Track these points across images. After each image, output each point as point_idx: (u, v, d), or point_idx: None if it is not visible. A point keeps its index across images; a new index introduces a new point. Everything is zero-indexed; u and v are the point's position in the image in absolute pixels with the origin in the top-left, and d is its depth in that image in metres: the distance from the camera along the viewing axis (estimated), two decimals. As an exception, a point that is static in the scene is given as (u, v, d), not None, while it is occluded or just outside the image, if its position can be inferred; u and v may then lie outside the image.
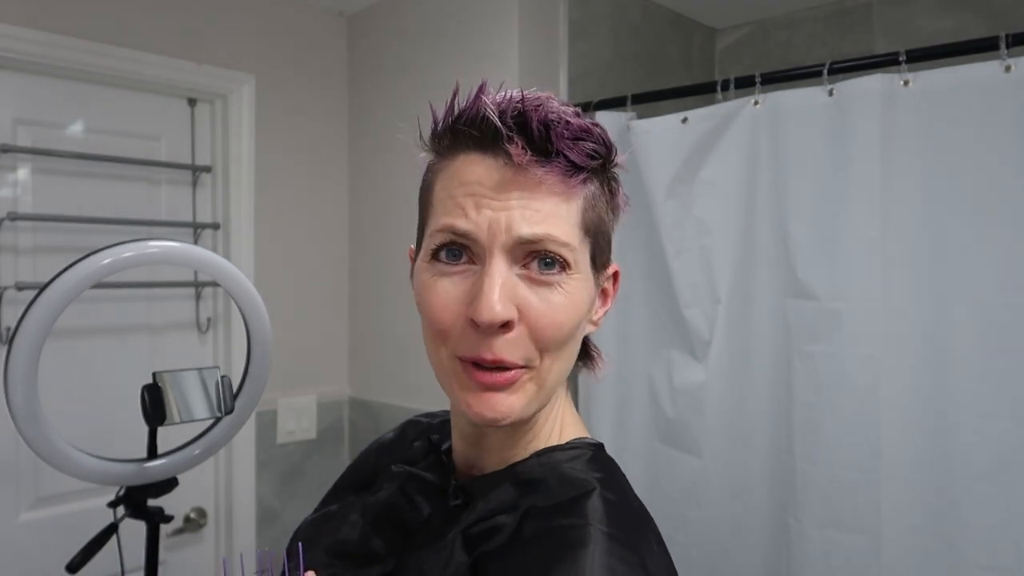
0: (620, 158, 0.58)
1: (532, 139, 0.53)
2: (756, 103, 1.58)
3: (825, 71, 1.48)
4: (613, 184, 0.59)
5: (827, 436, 1.45)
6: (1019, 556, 1.29)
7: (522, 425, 0.60)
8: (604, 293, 0.62)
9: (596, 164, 0.55)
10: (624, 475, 0.62)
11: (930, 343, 1.39)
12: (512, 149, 0.52)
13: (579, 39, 1.94)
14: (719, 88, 1.62)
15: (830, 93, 1.48)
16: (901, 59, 1.39)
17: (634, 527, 0.55)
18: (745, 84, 1.59)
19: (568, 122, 0.53)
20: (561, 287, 0.55)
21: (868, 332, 1.43)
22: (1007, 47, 1.29)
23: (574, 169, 0.54)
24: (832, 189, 1.49)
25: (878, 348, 1.42)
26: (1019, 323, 1.30)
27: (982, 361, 1.33)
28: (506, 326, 0.54)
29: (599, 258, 0.59)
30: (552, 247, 0.54)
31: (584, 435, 0.65)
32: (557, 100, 0.55)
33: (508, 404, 0.55)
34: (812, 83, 1.52)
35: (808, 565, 1.46)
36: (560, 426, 0.64)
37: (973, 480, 1.33)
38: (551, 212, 0.54)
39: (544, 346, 0.55)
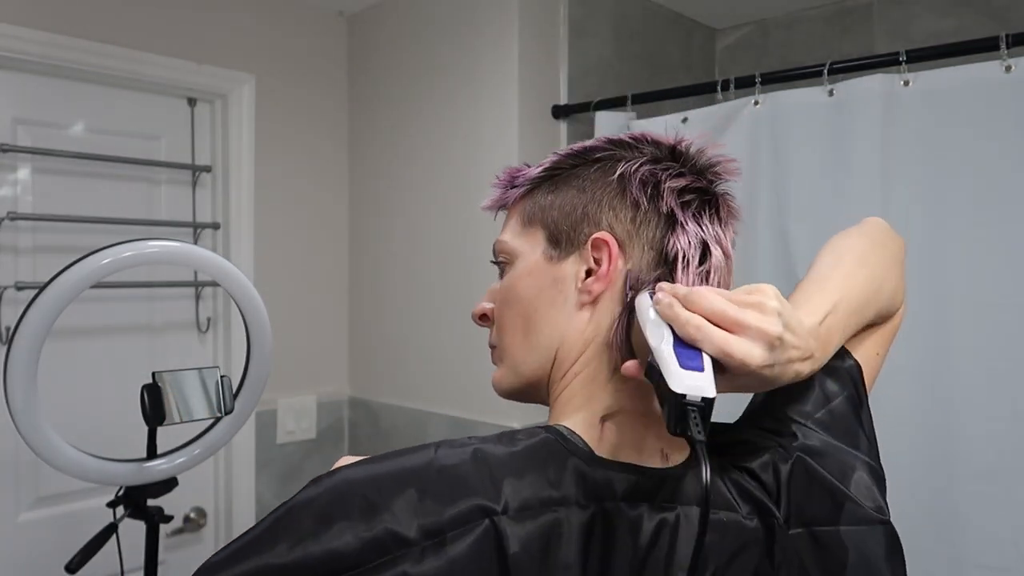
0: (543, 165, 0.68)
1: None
2: (756, 103, 1.58)
3: (825, 71, 1.48)
4: (579, 178, 0.65)
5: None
6: (1019, 556, 1.29)
7: (540, 399, 0.67)
8: (589, 271, 0.62)
9: (497, 188, 0.70)
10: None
11: (930, 343, 1.39)
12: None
13: (579, 39, 1.94)
14: (719, 88, 1.62)
15: (830, 93, 1.48)
16: (901, 59, 1.39)
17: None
18: (745, 84, 1.59)
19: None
20: (507, 276, 0.68)
21: (868, 332, 1.43)
22: (1007, 47, 1.29)
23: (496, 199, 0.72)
24: (832, 189, 1.49)
25: (878, 348, 1.42)
26: (1019, 323, 1.30)
27: (982, 361, 1.33)
28: (483, 318, 0.70)
29: (563, 238, 0.64)
30: (497, 248, 0.69)
31: (563, 422, 0.60)
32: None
33: (494, 375, 0.69)
34: (812, 83, 1.52)
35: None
36: (562, 411, 0.62)
37: (973, 480, 1.33)
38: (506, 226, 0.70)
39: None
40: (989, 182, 1.33)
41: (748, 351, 0.53)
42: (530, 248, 0.66)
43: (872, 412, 0.75)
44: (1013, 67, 1.29)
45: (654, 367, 0.52)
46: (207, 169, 2.03)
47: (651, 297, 0.56)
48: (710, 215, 0.63)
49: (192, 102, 2.01)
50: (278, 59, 2.11)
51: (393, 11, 2.15)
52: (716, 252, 0.62)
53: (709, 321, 0.53)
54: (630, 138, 0.66)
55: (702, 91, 1.69)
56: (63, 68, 1.76)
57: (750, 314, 0.53)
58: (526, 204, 0.68)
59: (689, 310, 0.54)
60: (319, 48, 2.22)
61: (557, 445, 0.56)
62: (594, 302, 0.62)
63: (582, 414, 0.60)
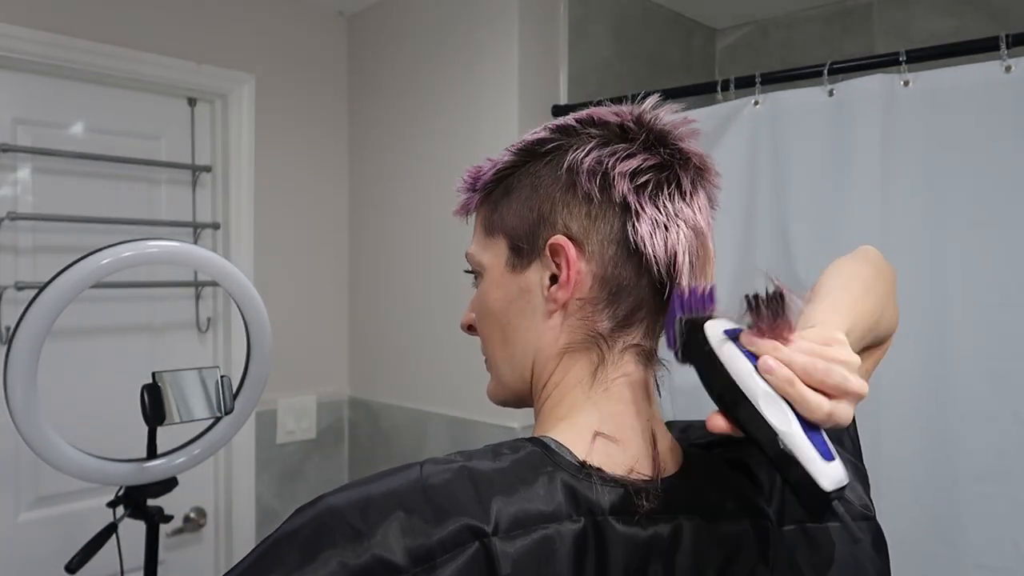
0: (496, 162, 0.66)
1: None
2: (756, 103, 1.58)
3: (825, 71, 1.48)
4: (531, 175, 0.62)
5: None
6: (1019, 556, 1.29)
7: (534, 409, 0.65)
8: (554, 276, 0.60)
9: (462, 194, 0.69)
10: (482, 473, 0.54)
11: (930, 343, 1.39)
12: None
13: (579, 39, 1.94)
14: (719, 88, 1.62)
15: (830, 93, 1.48)
16: (901, 59, 1.39)
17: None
18: (745, 84, 1.59)
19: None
20: (479, 289, 0.67)
21: (868, 332, 1.43)
22: (1007, 47, 1.29)
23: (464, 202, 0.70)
24: (832, 189, 1.49)
25: (878, 348, 1.42)
26: (1019, 324, 1.30)
27: (982, 362, 1.33)
28: (470, 329, 0.71)
29: (528, 244, 0.61)
30: (467, 258, 0.69)
31: (544, 434, 0.58)
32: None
33: (487, 386, 0.70)
34: (812, 83, 1.52)
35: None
36: (546, 421, 0.61)
37: (973, 480, 1.33)
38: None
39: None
40: (989, 182, 1.33)
41: (847, 415, 0.49)
42: (495, 259, 0.65)
43: (873, 413, 0.75)
44: (1013, 67, 1.29)
45: (785, 453, 0.48)
46: (207, 169, 2.03)
47: (744, 353, 0.50)
48: (669, 192, 0.58)
49: (192, 102, 2.01)
50: (278, 59, 2.11)
51: (393, 11, 2.15)
52: (681, 233, 0.58)
53: (801, 380, 0.49)
54: (577, 121, 0.62)
55: (702, 91, 1.69)
56: (63, 68, 1.76)
57: (852, 380, 0.49)
58: (485, 210, 0.66)
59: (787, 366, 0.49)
60: (319, 48, 2.22)
61: (544, 458, 0.54)
62: (563, 308, 0.59)
63: (567, 424, 0.58)
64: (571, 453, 0.55)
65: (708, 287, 0.55)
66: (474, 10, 1.92)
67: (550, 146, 0.61)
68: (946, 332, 1.37)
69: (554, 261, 0.59)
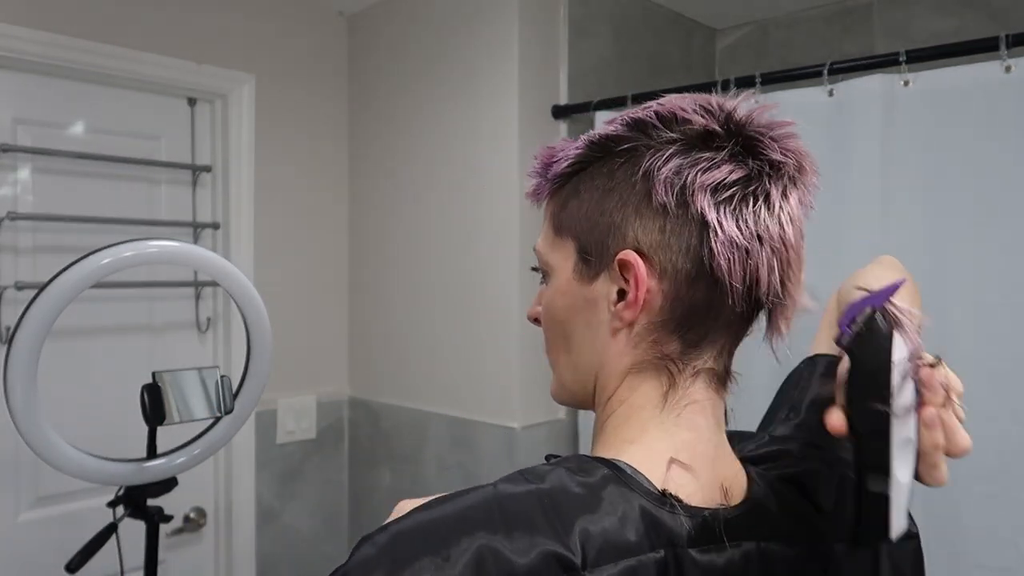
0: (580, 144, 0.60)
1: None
2: (756, 103, 1.58)
3: (825, 71, 1.48)
4: (604, 176, 0.57)
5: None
6: (1019, 556, 1.29)
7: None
8: (622, 291, 0.56)
9: (534, 178, 0.63)
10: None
11: (929, 343, 1.39)
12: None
13: (579, 39, 1.94)
14: (719, 88, 1.62)
15: (830, 93, 1.48)
16: (901, 59, 1.39)
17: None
18: (745, 84, 1.59)
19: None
20: (547, 289, 0.63)
21: (868, 332, 1.43)
22: (1007, 47, 1.29)
23: (535, 188, 0.63)
24: (832, 189, 1.48)
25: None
26: (1019, 324, 1.30)
27: (982, 362, 1.33)
28: (536, 321, 0.66)
29: (597, 253, 0.57)
30: (536, 254, 0.64)
31: (615, 456, 0.55)
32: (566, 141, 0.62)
33: (551, 385, 0.66)
34: (812, 83, 1.52)
35: None
36: (611, 441, 0.58)
37: (973, 481, 1.33)
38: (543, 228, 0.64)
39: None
40: (989, 182, 1.33)
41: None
42: (563, 262, 0.60)
43: None
44: (1013, 67, 1.29)
45: (882, 494, 0.48)
46: (207, 169, 2.03)
47: (915, 384, 0.49)
48: (755, 209, 0.53)
49: (192, 102, 2.01)
50: (278, 59, 2.11)
51: (393, 11, 2.15)
52: (764, 254, 0.53)
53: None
54: (658, 117, 0.56)
55: (702, 91, 1.69)
56: (63, 68, 1.76)
57: (968, 447, 0.50)
58: (555, 205, 0.61)
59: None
60: (319, 48, 2.22)
61: (621, 484, 0.52)
62: (629, 327, 0.56)
63: (638, 447, 0.55)
64: (647, 480, 0.53)
65: (897, 283, 0.52)
66: (474, 10, 1.92)
67: (626, 145, 0.56)
68: (946, 332, 1.37)
69: (623, 276, 0.55)
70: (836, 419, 0.50)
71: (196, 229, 2.01)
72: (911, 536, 0.62)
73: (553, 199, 0.61)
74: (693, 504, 0.53)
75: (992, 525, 1.31)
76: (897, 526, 0.48)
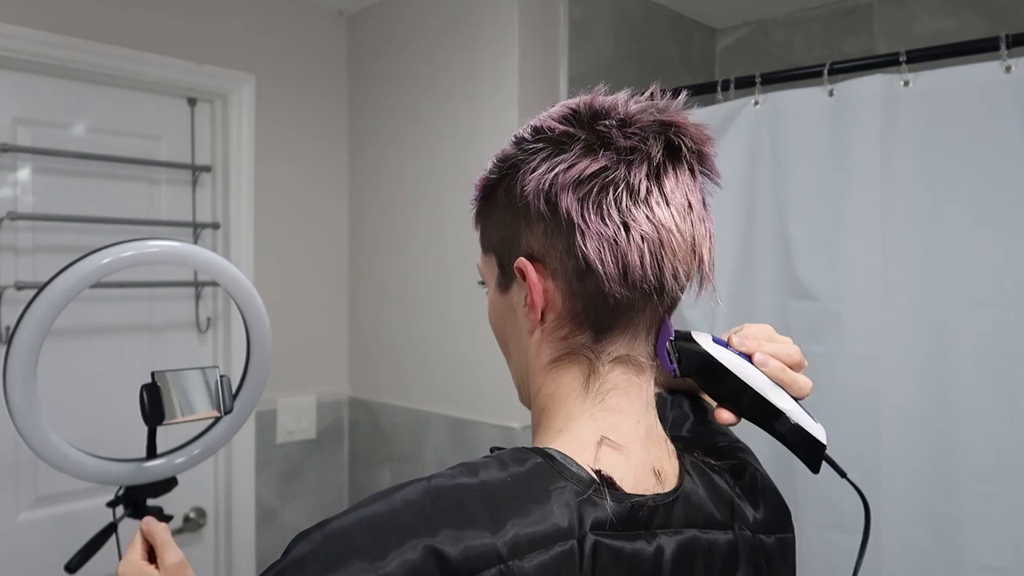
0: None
1: None
2: (756, 103, 1.58)
3: (825, 71, 1.48)
4: (502, 192, 0.60)
5: (827, 437, 1.45)
6: (1019, 556, 1.29)
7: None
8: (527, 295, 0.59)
9: (473, 206, 0.66)
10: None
11: (930, 343, 1.39)
12: None
13: (579, 39, 1.94)
14: (719, 88, 1.62)
15: (830, 93, 1.48)
16: (901, 59, 1.39)
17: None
18: (745, 84, 1.59)
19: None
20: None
21: (868, 333, 1.43)
22: (1007, 47, 1.29)
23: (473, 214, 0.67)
24: (832, 189, 1.49)
25: (878, 348, 1.42)
26: (1019, 324, 1.30)
27: (982, 361, 1.33)
28: None
29: (507, 265, 0.60)
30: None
31: (547, 445, 0.57)
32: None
33: None
34: (812, 83, 1.52)
35: (808, 565, 1.46)
36: (544, 432, 0.60)
37: (973, 480, 1.33)
38: None
39: None
40: (989, 182, 1.34)
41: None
42: (490, 276, 0.65)
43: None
44: (1013, 67, 1.29)
45: (796, 427, 0.61)
46: (207, 169, 2.03)
47: (737, 353, 0.62)
48: (616, 197, 0.54)
49: (192, 102, 2.01)
50: (278, 59, 2.11)
51: (393, 11, 2.15)
52: (633, 240, 0.54)
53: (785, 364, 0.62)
54: (532, 130, 0.59)
55: (702, 91, 1.69)
56: (63, 68, 1.76)
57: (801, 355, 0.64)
58: (480, 225, 0.66)
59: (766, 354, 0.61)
60: (319, 48, 2.22)
61: (551, 472, 0.53)
62: (540, 324, 0.59)
63: (566, 434, 0.57)
64: (576, 464, 0.54)
65: (667, 325, 0.61)
66: (474, 10, 1.92)
67: (510, 163, 0.59)
68: (946, 332, 1.37)
69: (524, 281, 0.59)
70: (724, 414, 0.62)
71: (196, 229, 2.01)
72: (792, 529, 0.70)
73: (478, 220, 0.66)
74: (625, 487, 0.55)
75: (992, 525, 1.31)
76: (819, 433, 0.61)
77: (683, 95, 0.60)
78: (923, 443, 1.39)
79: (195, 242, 1.99)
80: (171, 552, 0.85)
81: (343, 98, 2.28)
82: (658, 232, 0.55)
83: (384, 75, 2.17)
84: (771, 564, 0.63)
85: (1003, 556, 1.30)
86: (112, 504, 1.29)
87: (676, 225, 0.55)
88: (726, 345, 0.62)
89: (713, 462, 0.64)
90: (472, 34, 1.92)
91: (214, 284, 1.99)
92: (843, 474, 0.64)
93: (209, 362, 2.02)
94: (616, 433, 0.57)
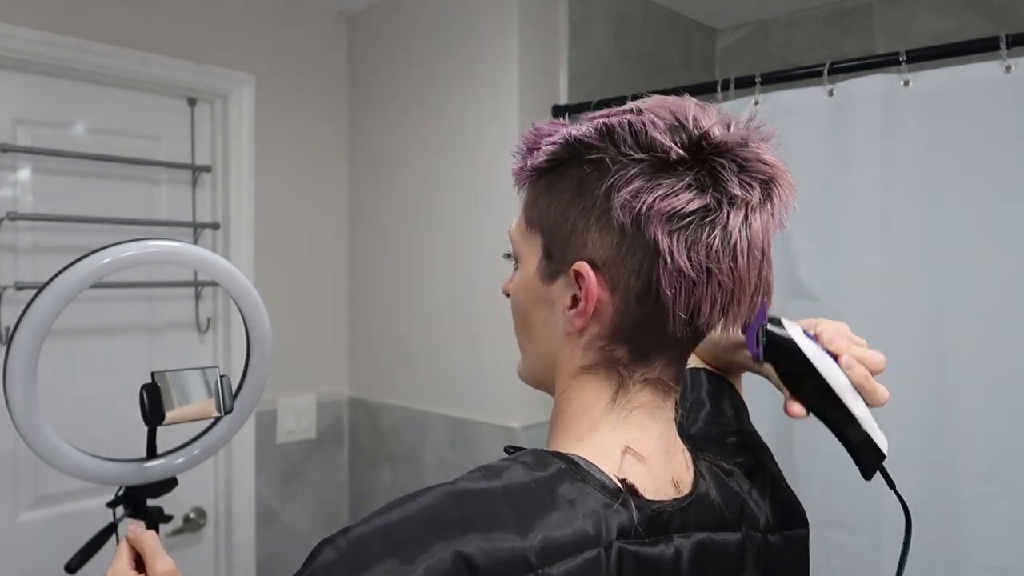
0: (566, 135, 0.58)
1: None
2: (756, 103, 1.58)
3: (825, 71, 1.48)
4: (574, 180, 0.57)
5: (827, 436, 1.45)
6: (1019, 556, 1.29)
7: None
8: (575, 297, 0.57)
9: (517, 160, 0.62)
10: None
11: (930, 343, 1.39)
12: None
13: (579, 39, 1.93)
14: (719, 88, 1.62)
15: (830, 93, 1.48)
16: (901, 59, 1.39)
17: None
18: (745, 84, 1.59)
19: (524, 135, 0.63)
20: (515, 275, 0.65)
21: (868, 332, 1.42)
22: (1007, 47, 1.29)
23: (516, 171, 0.63)
24: (832, 189, 1.48)
25: (878, 348, 1.42)
26: (1019, 324, 1.30)
27: (982, 361, 1.33)
28: (508, 295, 0.67)
29: (559, 256, 0.58)
30: (509, 237, 0.65)
31: (569, 451, 0.57)
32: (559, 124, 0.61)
33: (517, 364, 0.68)
34: (812, 83, 1.51)
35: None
36: (564, 437, 0.59)
37: (973, 480, 1.33)
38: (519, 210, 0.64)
39: None
40: (989, 182, 1.33)
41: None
42: (530, 255, 0.61)
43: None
44: (1013, 67, 1.29)
45: (864, 434, 0.61)
46: (207, 169, 2.02)
47: (817, 344, 0.61)
48: (710, 240, 0.52)
49: (192, 102, 2.01)
50: (278, 59, 2.11)
51: (393, 11, 2.15)
52: (710, 287, 0.53)
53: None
54: (630, 131, 0.54)
55: (702, 91, 1.69)
56: (63, 68, 1.76)
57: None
58: (531, 196, 0.62)
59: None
60: (319, 48, 2.22)
61: (575, 477, 0.53)
62: (580, 332, 0.57)
63: (589, 442, 0.57)
64: (600, 471, 0.54)
65: (765, 308, 0.59)
66: (474, 10, 1.92)
67: (595, 155, 0.55)
68: (946, 332, 1.37)
69: (577, 284, 0.56)
70: (796, 407, 0.61)
71: (196, 229, 2.00)
72: (807, 524, 0.70)
73: (530, 188, 0.62)
74: (647, 496, 0.55)
75: (992, 525, 1.31)
76: (883, 444, 0.61)
77: (775, 130, 0.58)
78: (923, 443, 1.38)
79: (195, 242, 1.99)
80: (161, 561, 0.84)
81: (343, 98, 2.28)
82: (734, 283, 0.54)
83: (384, 75, 2.17)
84: (782, 563, 0.63)
85: (1003, 556, 1.30)
86: (112, 504, 1.29)
87: (749, 277, 0.55)
88: (815, 340, 0.62)
89: (726, 465, 0.64)
90: (472, 34, 1.92)
91: (214, 284, 1.99)
92: (892, 485, 0.63)
93: (209, 362, 2.02)
94: (639, 446, 0.57)
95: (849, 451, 0.62)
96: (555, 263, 0.58)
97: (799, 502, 0.69)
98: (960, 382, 1.35)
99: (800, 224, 1.53)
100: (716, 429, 0.72)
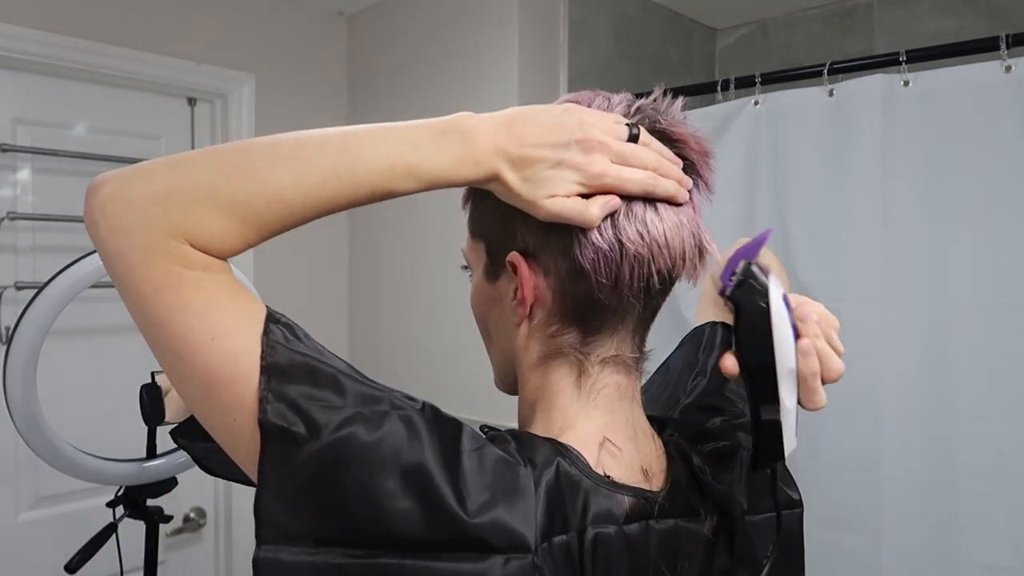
0: None
1: None
2: (756, 103, 1.58)
3: (825, 71, 1.48)
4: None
5: (827, 436, 1.45)
6: (1019, 556, 1.29)
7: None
8: (517, 288, 0.59)
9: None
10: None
11: (930, 343, 1.39)
12: None
13: (579, 39, 1.93)
14: (719, 88, 1.62)
15: (830, 93, 1.48)
16: (901, 59, 1.39)
17: None
18: (745, 84, 1.59)
19: None
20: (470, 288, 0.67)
21: (868, 332, 1.43)
22: (1007, 47, 1.29)
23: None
24: (832, 189, 1.49)
25: (878, 348, 1.42)
26: (1019, 324, 1.30)
27: (982, 361, 1.33)
28: None
29: (498, 255, 0.60)
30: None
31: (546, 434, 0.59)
32: None
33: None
34: (812, 83, 1.52)
35: (808, 565, 1.46)
36: (543, 425, 0.61)
37: (973, 480, 1.33)
38: None
39: None
40: (989, 182, 1.33)
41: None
42: (477, 262, 0.65)
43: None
44: (1013, 67, 1.29)
45: (773, 420, 0.54)
46: (207, 169, 2.02)
47: (789, 313, 0.53)
48: (615, 215, 0.55)
49: (192, 102, 2.01)
50: (278, 59, 2.11)
51: (393, 11, 2.15)
52: (629, 254, 0.55)
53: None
54: None
55: (702, 91, 1.69)
56: (63, 68, 1.76)
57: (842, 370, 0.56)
58: (470, 208, 0.65)
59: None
60: (319, 48, 2.22)
61: (567, 462, 0.55)
62: (528, 320, 0.60)
63: (571, 434, 0.58)
64: (582, 459, 0.56)
65: (764, 236, 0.55)
66: (474, 10, 1.92)
67: None
68: (946, 332, 1.37)
69: (515, 274, 0.59)
70: (729, 362, 0.55)
71: (196, 229, 2.00)
72: (797, 504, 0.67)
73: (468, 202, 0.65)
74: (624, 483, 0.57)
75: (992, 525, 1.31)
76: (788, 445, 0.54)
77: (680, 100, 0.61)
78: (923, 443, 1.38)
79: (195, 242, 1.99)
80: None
81: (343, 98, 2.28)
82: (650, 249, 0.56)
83: (384, 75, 2.17)
84: (763, 545, 0.62)
85: (1003, 556, 1.30)
86: (112, 504, 1.29)
87: (667, 241, 0.56)
88: (790, 310, 0.54)
89: (702, 449, 0.64)
90: (472, 34, 1.92)
91: (214, 284, 1.99)
92: (774, 491, 0.60)
93: (209, 362, 2.01)
94: (613, 434, 0.59)
95: (753, 434, 0.56)
96: (497, 262, 0.61)
97: (792, 480, 0.68)
98: (960, 382, 1.35)
99: (800, 223, 1.53)
100: (705, 404, 0.73)
